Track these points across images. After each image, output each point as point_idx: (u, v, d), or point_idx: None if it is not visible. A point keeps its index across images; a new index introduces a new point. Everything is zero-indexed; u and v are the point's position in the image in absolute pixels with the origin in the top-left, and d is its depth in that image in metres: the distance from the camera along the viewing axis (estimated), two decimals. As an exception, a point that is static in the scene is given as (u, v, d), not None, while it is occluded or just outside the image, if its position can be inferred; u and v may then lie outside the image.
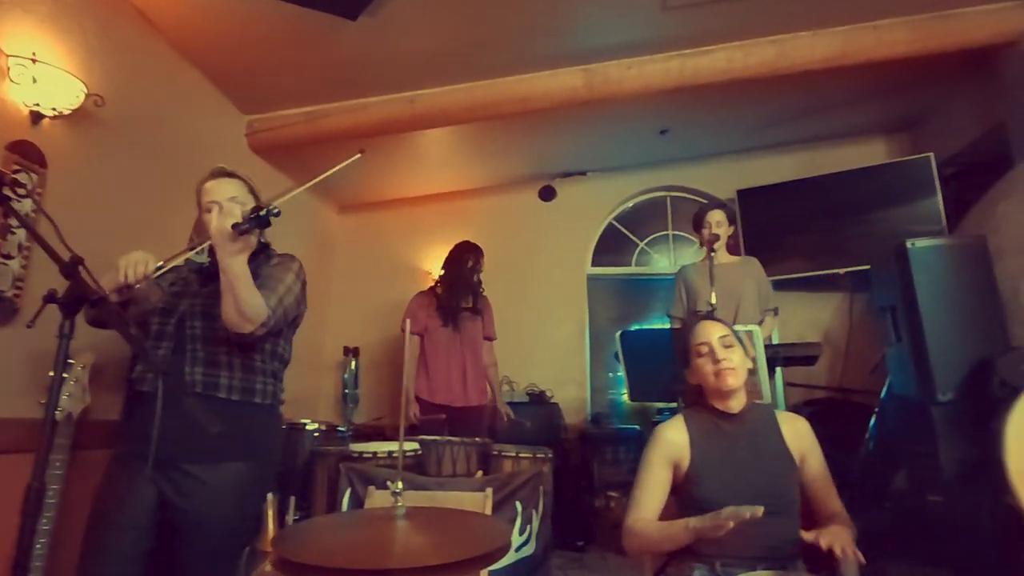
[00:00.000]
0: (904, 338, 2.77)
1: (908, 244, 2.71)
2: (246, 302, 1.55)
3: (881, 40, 3.19)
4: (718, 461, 1.51)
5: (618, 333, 2.80)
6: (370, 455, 2.56)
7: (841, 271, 4.01)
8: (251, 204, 1.74)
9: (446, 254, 3.66)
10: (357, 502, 2.34)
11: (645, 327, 4.65)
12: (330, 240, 5.02)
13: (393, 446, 2.61)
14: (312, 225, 4.75)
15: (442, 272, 3.60)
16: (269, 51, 3.02)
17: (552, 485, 2.70)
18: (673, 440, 1.55)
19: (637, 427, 4.17)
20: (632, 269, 4.93)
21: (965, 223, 3.34)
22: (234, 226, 1.49)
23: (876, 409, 3.23)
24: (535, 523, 2.48)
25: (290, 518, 2.31)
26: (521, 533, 2.41)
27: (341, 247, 5.06)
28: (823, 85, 3.62)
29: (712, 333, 1.57)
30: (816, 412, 3.67)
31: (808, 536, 1.30)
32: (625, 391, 2.83)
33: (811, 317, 4.25)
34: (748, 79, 3.34)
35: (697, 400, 1.62)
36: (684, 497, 1.53)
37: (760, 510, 1.23)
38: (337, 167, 1.85)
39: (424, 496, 2.17)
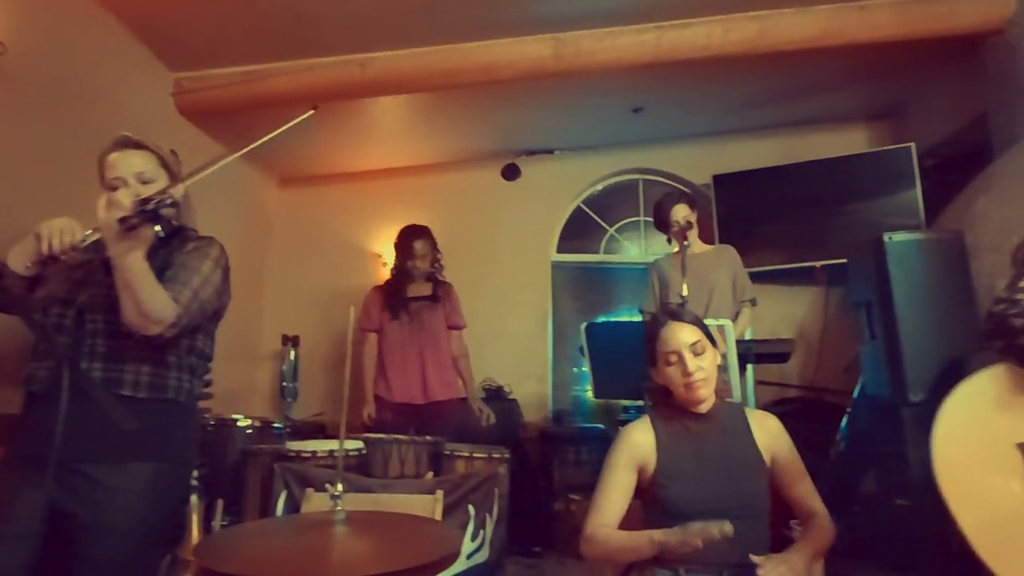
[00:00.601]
0: (878, 336, 2.88)
1: (885, 238, 2.82)
2: (147, 302, 1.48)
3: (866, 22, 3.28)
4: (686, 463, 1.54)
5: (583, 325, 2.82)
6: (309, 454, 2.53)
7: (817, 264, 4.14)
8: (162, 180, 1.67)
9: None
10: (293, 506, 2.31)
11: (613, 319, 4.72)
12: (268, 217, 4.90)
13: (335, 444, 2.58)
14: (248, 200, 4.62)
15: (397, 258, 3.56)
16: (202, 0, 2.91)
17: (508, 487, 2.72)
18: (639, 442, 1.58)
19: (602, 426, 4.23)
20: (600, 257, 4.98)
21: (943, 217, 3.49)
22: (121, 220, 1.40)
23: (848, 409, 3.37)
24: (489, 528, 2.50)
25: (217, 524, 2.27)
26: (473, 539, 2.43)
27: (281, 225, 4.94)
28: (804, 67, 3.70)
29: (682, 340, 1.59)
30: (787, 412, 3.80)
31: (756, 560, 1.35)
32: (589, 387, 2.86)
33: (785, 312, 4.38)
34: (727, 57, 3.38)
35: (664, 400, 1.64)
36: (650, 500, 1.57)
37: (729, 528, 1.27)
38: (283, 127, 1.79)
39: (368, 499, 2.16)
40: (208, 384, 3.33)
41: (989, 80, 3.44)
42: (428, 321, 3.44)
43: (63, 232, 1.47)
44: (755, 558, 1.36)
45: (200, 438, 2.25)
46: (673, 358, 1.57)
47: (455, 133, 4.51)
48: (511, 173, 4.90)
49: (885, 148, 4.24)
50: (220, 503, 2.27)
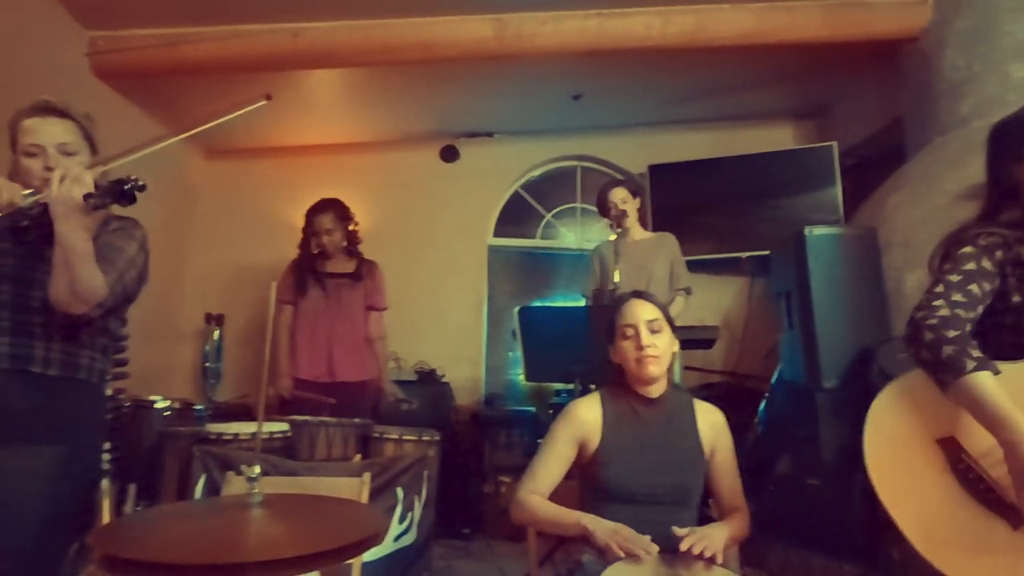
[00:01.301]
0: (796, 325, 3.02)
1: (806, 231, 2.95)
2: (82, 280, 1.42)
3: (795, 22, 3.40)
4: (629, 446, 1.56)
5: (516, 309, 2.83)
6: (231, 436, 2.44)
7: (744, 255, 4.30)
8: (84, 153, 1.57)
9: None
10: (213, 490, 2.23)
11: (547, 304, 4.76)
12: (192, 189, 4.67)
13: (253, 426, 2.50)
14: (171, 171, 4.38)
15: (303, 233, 3.45)
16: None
17: (438, 470, 2.72)
18: (585, 419, 1.59)
19: (533, 409, 4.28)
20: (537, 242, 5.00)
21: (859, 214, 3.68)
22: (87, 197, 1.34)
23: (767, 394, 3.52)
24: (417, 510, 2.49)
25: (129, 509, 2.16)
26: (401, 521, 2.41)
27: (206, 198, 4.72)
28: (739, 64, 3.81)
29: (640, 315, 1.60)
30: (711, 396, 3.92)
31: (679, 532, 1.39)
32: (522, 371, 2.88)
33: (712, 300, 4.53)
34: (666, 48, 3.45)
35: (617, 380, 1.66)
36: (588, 478, 1.59)
37: (655, 549, 1.31)
38: (233, 114, 1.70)
39: (291, 483, 2.09)
40: (122, 364, 3.18)
41: (905, 86, 3.64)
42: (344, 299, 3.35)
43: (1, 190, 1.38)
44: (677, 530, 1.40)
45: (110, 420, 2.14)
46: (630, 331, 1.59)
47: (393, 112, 4.42)
48: (450, 155, 4.85)
49: (809, 146, 4.44)
50: (132, 488, 2.16)
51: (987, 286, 1.28)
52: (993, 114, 1.40)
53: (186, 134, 1.70)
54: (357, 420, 2.69)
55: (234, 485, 2.12)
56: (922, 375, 1.26)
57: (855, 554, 2.30)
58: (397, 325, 3.99)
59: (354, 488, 1.75)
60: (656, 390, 1.61)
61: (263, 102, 1.77)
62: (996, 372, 1.16)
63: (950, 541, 1.15)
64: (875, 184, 3.65)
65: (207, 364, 4.08)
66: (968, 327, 1.25)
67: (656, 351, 1.56)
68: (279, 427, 2.53)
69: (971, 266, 1.28)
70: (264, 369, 1.21)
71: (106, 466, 2.46)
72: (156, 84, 3.38)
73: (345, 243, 3.43)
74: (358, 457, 2.56)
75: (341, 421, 2.61)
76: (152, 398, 2.98)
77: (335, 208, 3.41)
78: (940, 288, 1.27)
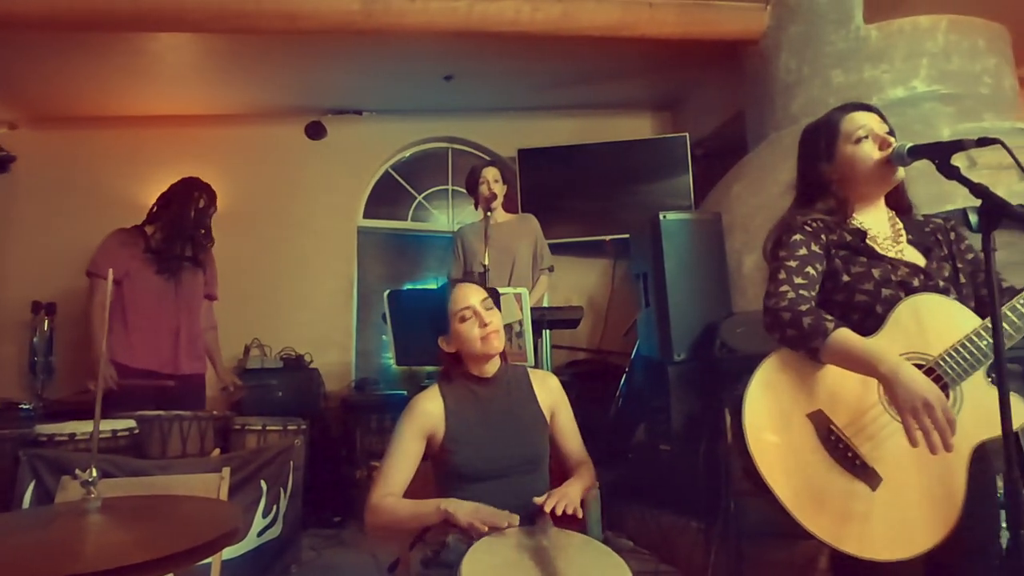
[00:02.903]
0: (652, 303, 3.24)
1: (661, 216, 3.16)
2: None
3: (654, 18, 3.60)
4: (474, 427, 1.61)
5: (386, 293, 2.79)
6: (65, 437, 2.20)
7: (607, 238, 4.52)
8: None
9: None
10: (45, 497, 2.01)
11: (418, 287, 4.73)
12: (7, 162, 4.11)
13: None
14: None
15: (155, 209, 3.15)
16: None
17: (306, 459, 2.64)
18: (428, 411, 1.61)
19: (405, 392, 4.25)
20: (408, 224, 4.94)
21: (707, 201, 4.00)
22: None
23: (627, 369, 3.76)
24: (283, 503, 2.41)
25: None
26: (266, 515, 2.32)
27: (29, 173, 4.18)
28: (604, 55, 3.97)
29: (473, 297, 1.65)
30: (578, 373, 4.14)
31: (538, 501, 1.47)
32: (393, 355, 2.85)
33: (578, 281, 4.73)
34: (534, 34, 3.52)
35: (454, 368, 1.69)
36: (441, 466, 1.61)
37: (516, 519, 1.36)
38: None
39: (140, 483, 1.95)
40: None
41: (747, 84, 3.98)
42: (190, 286, 3.12)
43: None
44: (537, 500, 1.47)
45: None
46: (468, 313, 1.62)
47: (253, 83, 4.16)
48: (316, 132, 4.64)
49: (665, 136, 4.75)
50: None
51: (819, 267, 1.44)
52: (818, 114, 1.58)
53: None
54: (215, 412, 2.54)
55: (70, 491, 1.94)
56: (785, 355, 1.39)
57: (700, 511, 2.53)
58: (262, 310, 3.80)
59: (211, 484, 1.67)
60: (492, 368, 1.67)
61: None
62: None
63: (820, 507, 1.28)
64: (721, 173, 3.98)
65: (35, 358, 3.65)
66: (813, 304, 1.40)
67: (496, 326, 1.63)
68: (124, 424, 2.33)
69: (803, 251, 1.43)
70: (102, 361, 1.10)
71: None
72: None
73: (206, 230, 3.18)
74: (216, 451, 2.42)
75: (197, 414, 2.45)
76: (-35, 399, 2.62)
77: (212, 191, 3.19)
78: (782, 275, 1.41)
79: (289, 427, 2.59)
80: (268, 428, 2.55)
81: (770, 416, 1.35)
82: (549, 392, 1.73)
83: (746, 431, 1.32)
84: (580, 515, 1.45)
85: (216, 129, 4.46)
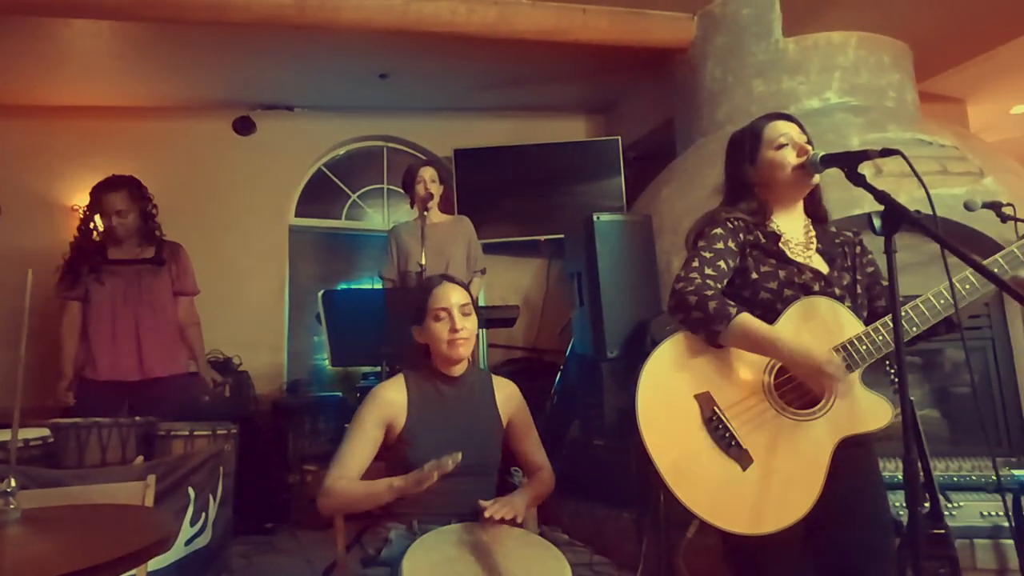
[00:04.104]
0: (585, 302, 3.31)
1: (594, 217, 3.24)
2: None
3: (588, 24, 3.68)
4: (433, 424, 1.62)
5: (320, 293, 2.75)
6: (-24, 449, 2.07)
7: (542, 238, 4.59)
8: None
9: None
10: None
11: (353, 287, 4.66)
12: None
13: (7, 435, 2.15)
14: None
15: (84, 214, 3.01)
16: None
17: (235, 465, 2.56)
18: (392, 400, 1.62)
19: (340, 394, 4.19)
20: (342, 223, 4.86)
21: (638, 203, 4.13)
22: None
23: (561, 367, 3.83)
24: (212, 510, 2.33)
25: None
26: (194, 523, 2.24)
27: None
28: (540, 58, 4.03)
29: (453, 299, 1.66)
30: (514, 371, 4.19)
31: (484, 505, 1.51)
32: (327, 356, 2.81)
33: (513, 281, 4.78)
34: (470, 36, 3.54)
35: (422, 361, 1.70)
36: (395, 458, 1.62)
37: (459, 455, 1.37)
38: None
39: (57, 494, 1.83)
40: None
41: (676, 91, 4.13)
42: (148, 287, 2.98)
43: None
44: (483, 503, 1.51)
45: None
46: (443, 314, 1.64)
47: (178, 75, 3.99)
48: (244, 127, 4.50)
49: (598, 139, 4.86)
50: None
51: (731, 263, 1.52)
52: (742, 122, 1.68)
53: None
54: (137, 418, 2.42)
55: (-18, 504, 1.82)
56: (683, 339, 1.47)
57: (631, 503, 2.62)
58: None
59: (135, 493, 1.59)
60: (459, 369, 1.70)
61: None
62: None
63: (697, 485, 1.37)
64: (652, 176, 4.11)
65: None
66: (719, 294, 1.49)
67: (467, 334, 1.64)
68: (36, 432, 2.20)
69: (720, 245, 1.51)
70: (20, 370, 1.05)
71: None
72: None
73: (139, 225, 3.02)
74: (140, 459, 2.32)
75: (118, 421, 2.33)
76: None
77: (129, 186, 2.96)
78: (696, 263, 1.49)
79: (218, 432, 2.50)
80: (196, 433, 2.46)
81: (660, 394, 1.43)
82: (508, 399, 1.76)
83: (637, 407, 1.41)
84: (519, 521, 1.50)
85: (136, 122, 4.26)
